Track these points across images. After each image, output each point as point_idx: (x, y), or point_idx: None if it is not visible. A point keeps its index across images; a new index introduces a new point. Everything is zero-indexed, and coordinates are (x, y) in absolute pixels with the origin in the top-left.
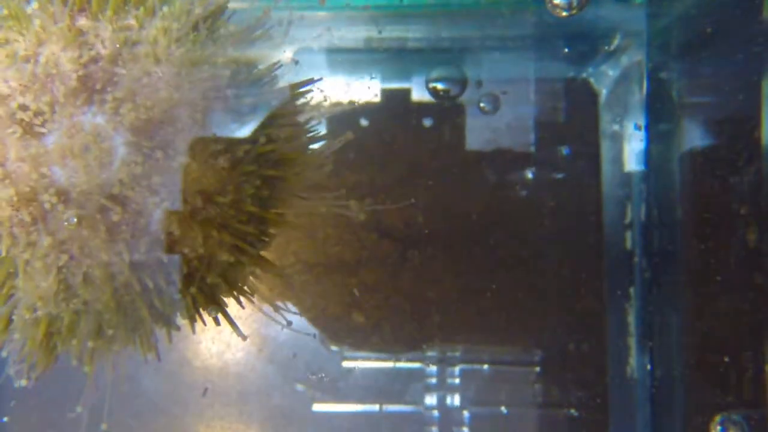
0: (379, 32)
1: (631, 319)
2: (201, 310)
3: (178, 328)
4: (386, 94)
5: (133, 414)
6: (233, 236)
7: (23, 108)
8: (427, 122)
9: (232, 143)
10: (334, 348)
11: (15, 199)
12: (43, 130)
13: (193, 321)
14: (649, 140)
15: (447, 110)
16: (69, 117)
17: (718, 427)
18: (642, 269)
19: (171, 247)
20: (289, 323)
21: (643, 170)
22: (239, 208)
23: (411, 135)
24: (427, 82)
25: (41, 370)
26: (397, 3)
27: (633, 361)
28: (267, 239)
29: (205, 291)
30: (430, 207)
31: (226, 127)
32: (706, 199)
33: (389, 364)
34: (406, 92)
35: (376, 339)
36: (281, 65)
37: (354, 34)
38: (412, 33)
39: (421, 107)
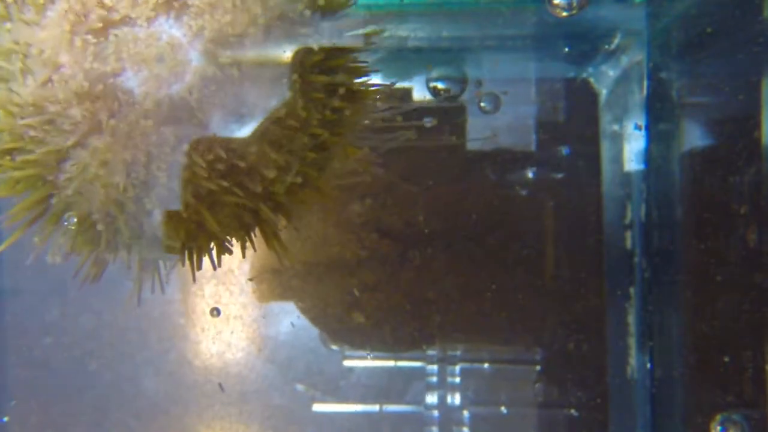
0: (380, 31)
1: (631, 319)
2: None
3: (231, 251)
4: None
5: (133, 414)
6: (298, 158)
7: (102, 5)
8: (428, 121)
9: (305, 69)
10: (334, 347)
11: (86, 97)
12: (118, 32)
13: (244, 244)
14: (649, 140)
15: (447, 110)
16: (146, 24)
17: (718, 427)
18: (642, 269)
19: (236, 165)
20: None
21: (643, 170)
22: (306, 131)
23: (411, 134)
24: (428, 81)
25: (93, 276)
26: (397, 2)
27: (633, 361)
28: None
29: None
30: (430, 207)
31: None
32: (706, 199)
33: (390, 363)
34: (407, 91)
35: (376, 339)
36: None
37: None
38: (413, 32)
39: (422, 106)
